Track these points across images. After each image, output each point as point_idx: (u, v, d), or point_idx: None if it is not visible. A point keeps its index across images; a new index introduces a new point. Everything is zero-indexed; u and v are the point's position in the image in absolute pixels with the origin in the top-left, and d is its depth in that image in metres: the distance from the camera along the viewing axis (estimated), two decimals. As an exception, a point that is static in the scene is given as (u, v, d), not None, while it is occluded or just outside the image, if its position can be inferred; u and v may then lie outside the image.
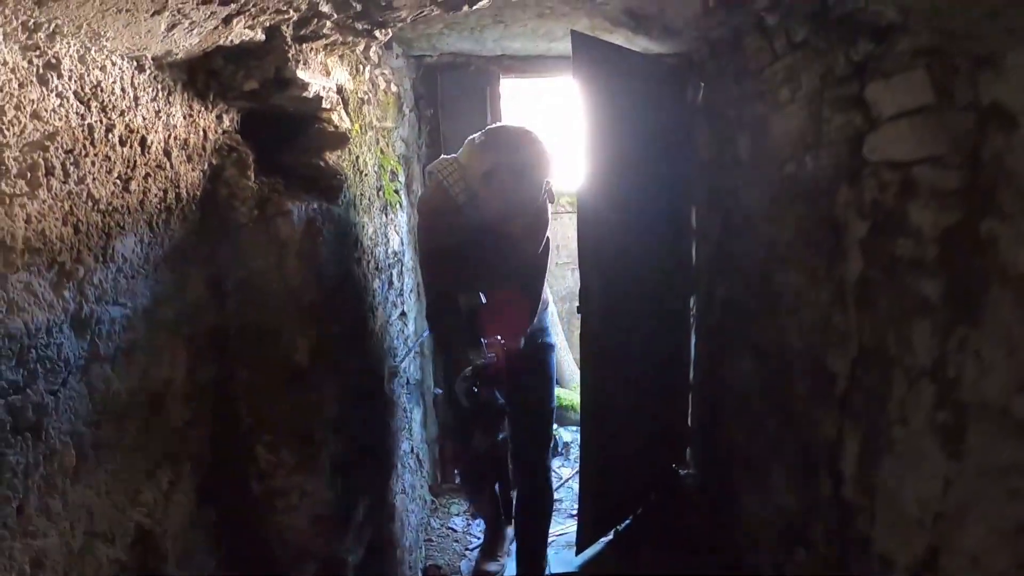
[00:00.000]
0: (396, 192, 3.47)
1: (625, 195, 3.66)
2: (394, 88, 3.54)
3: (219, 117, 1.88)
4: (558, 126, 7.14)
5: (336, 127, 2.20)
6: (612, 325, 3.64)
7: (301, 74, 1.90)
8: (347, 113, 2.42)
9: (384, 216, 3.18)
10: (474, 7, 2.07)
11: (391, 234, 3.29)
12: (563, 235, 7.50)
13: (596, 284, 3.52)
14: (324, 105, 2.05)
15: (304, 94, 1.94)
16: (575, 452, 5.02)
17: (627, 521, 4.02)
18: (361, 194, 2.65)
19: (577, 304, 3.54)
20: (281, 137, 2.12)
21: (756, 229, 3.25)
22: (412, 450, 3.64)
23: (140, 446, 1.55)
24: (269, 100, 1.93)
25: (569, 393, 5.71)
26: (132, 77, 1.52)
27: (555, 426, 5.31)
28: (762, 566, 3.24)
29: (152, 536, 1.59)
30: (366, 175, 2.74)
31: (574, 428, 5.21)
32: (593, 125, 3.37)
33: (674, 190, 4.09)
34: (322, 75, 2.10)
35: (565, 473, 4.84)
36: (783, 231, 2.94)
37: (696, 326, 4.19)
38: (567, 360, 6.46)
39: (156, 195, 1.59)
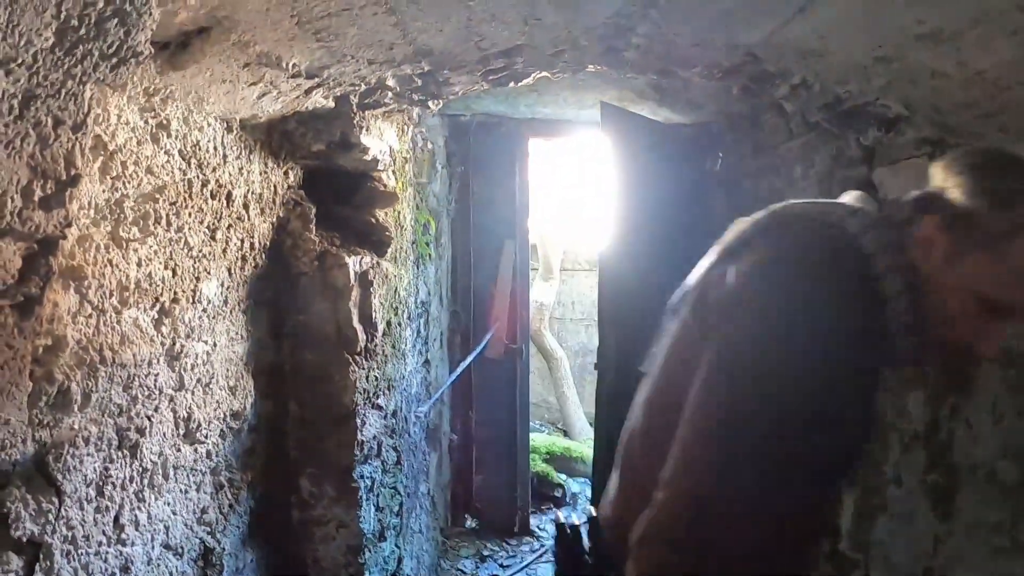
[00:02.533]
0: (427, 244, 3.66)
1: (645, 257, 3.81)
2: (430, 146, 3.75)
3: (287, 173, 2.08)
4: (581, 185, 7.41)
5: (386, 186, 2.41)
6: (627, 381, 3.76)
7: (364, 139, 2.10)
8: (393, 173, 2.62)
9: (416, 268, 3.37)
10: (519, 84, 2.28)
11: (420, 285, 3.48)
12: (578, 292, 7.70)
13: (613, 341, 3.67)
14: (379, 167, 2.26)
15: (364, 156, 2.15)
16: (582, 503, 5.15)
17: None
18: (400, 247, 2.84)
19: (594, 361, 3.69)
20: (337, 194, 2.32)
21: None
22: (428, 492, 3.78)
23: (209, 469, 1.73)
24: (333, 160, 2.14)
25: (579, 445, 5.85)
26: (222, 137, 1.72)
27: (564, 476, 5.48)
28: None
29: (213, 553, 1.76)
30: (404, 229, 2.94)
31: (583, 479, 5.35)
32: (617, 188, 3.57)
33: (690, 255, 4.21)
34: (377, 138, 2.31)
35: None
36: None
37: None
38: (578, 415, 6.62)
39: (235, 244, 1.79)
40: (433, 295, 3.96)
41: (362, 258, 2.15)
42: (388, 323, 2.48)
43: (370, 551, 2.30)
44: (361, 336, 2.13)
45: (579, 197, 7.47)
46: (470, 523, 4.77)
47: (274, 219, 2.01)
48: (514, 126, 4.39)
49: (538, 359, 6.79)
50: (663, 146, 4.04)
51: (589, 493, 4.22)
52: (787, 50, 2.07)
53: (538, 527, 4.84)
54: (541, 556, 4.45)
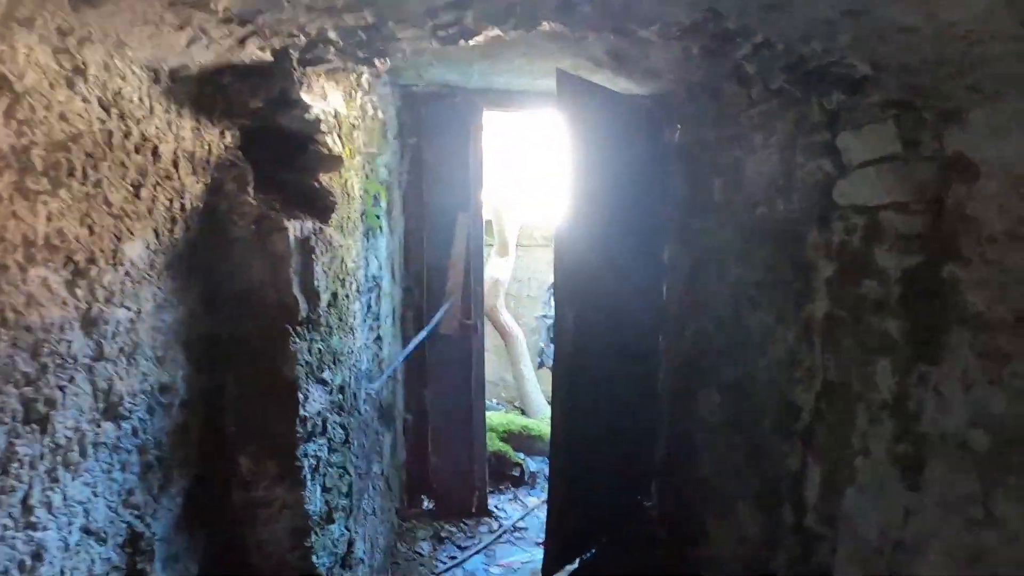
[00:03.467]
0: (378, 217, 3.53)
1: (601, 231, 3.75)
2: (380, 115, 3.62)
3: (223, 133, 1.94)
4: (537, 159, 7.29)
5: (330, 150, 2.28)
6: (584, 358, 3.71)
7: (304, 96, 1.97)
8: (339, 137, 2.49)
9: (366, 240, 3.24)
10: (470, 42, 2.16)
11: (371, 258, 3.35)
12: (535, 268, 7.60)
13: (570, 317, 3.59)
14: (322, 128, 2.13)
15: (306, 115, 2.02)
16: (542, 482, 5.07)
17: (592, 551, 4.06)
18: (348, 217, 2.71)
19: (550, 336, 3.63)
20: (278, 157, 2.19)
21: (726, 269, 3.36)
22: (382, 473, 3.67)
23: (135, 447, 1.60)
24: (272, 119, 2.01)
25: (538, 423, 5.77)
26: (149, 87, 1.59)
27: (522, 455, 5.40)
28: (726, 599, 3.31)
29: (142, 538, 1.63)
30: (353, 199, 2.81)
31: (541, 458, 5.27)
32: (573, 161, 3.47)
33: (648, 228, 4.18)
34: (321, 99, 2.18)
35: (532, 502, 4.88)
36: (753, 271, 3.05)
37: (666, 362, 4.28)
38: (536, 392, 6.54)
39: (163, 203, 1.65)
40: (385, 270, 3.83)
41: (303, 223, 2.02)
42: (334, 294, 2.36)
43: (317, 534, 2.19)
44: (302, 305, 2.01)
45: (536, 171, 7.36)
46: (427, 504, 4.67)
47: (208, 180, 1.87)
48: (468, 97, 4.27)
49: (494, 336, 6.69)
50: (621, 117, 3.96)
51: (548, 472, 4.13)
52: (750, 4, 1.98)
53: (496, 507, 4.76)
54: (499, 536, 4.37)
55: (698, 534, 3.65)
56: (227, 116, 1.94)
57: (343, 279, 2.57)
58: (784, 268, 2.75)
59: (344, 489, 2.48)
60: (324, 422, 2.22)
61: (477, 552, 4.15)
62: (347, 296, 2.64)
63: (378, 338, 3.61)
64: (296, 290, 1.98)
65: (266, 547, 2.12)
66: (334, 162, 2.25)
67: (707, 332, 3.63)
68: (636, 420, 4.31)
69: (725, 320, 3.38)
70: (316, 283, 2.08)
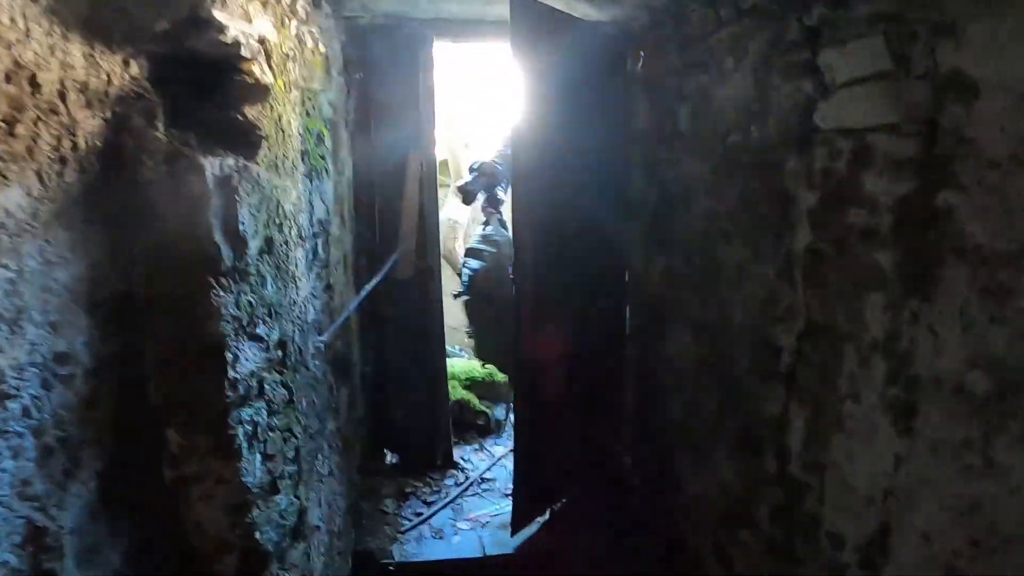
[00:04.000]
0: (322, 157, 3.28)
1: (561, 165, 3.56)
2: (322, 48, 3.35)
3: (126, 62, 1.68)
4: (493, 94, 6.99)
5: (257, 80, 2.02)
6: (545, 298, 3.54)
7: (218, 15, 1.71)
8: (270, 67, 2.23)
9: (310, 182, 2.99)
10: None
11: (316, 202, 3.10)
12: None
13: (530, 256, 3.42)
14: (243, 53, 1.86)
15: (221, 38, 1.75)
16: (509, 431, 4.91)
17: (563, 501, 3.93)
18: (284, 156, 2.46)
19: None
20: (199, 89, 1.93)
21: (696, 201, 3.17)
22: (339, 431, 3.46)
23: (29, 429, 1.37)
24: (183, 44, 1.74)
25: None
26: (23, 6, 1.33)
27: (487, 403, 5.22)
28: (703, 548, 3.18)
29: (46, 534, 1.41)
30: (290, 136, 2.55)
31: (507, 405, 5.10)
32: (530, 94, 3.24)
33: (611, 161, 3.99)
34: (242, 20, 1.92)
35: (499, 451, 4.72)
36: (725, 203, 2.86)
37: (632, 300, 4.11)
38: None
39: (48, 143, 1.40)
40: (333, 214, 3.59)
41: (224, 160, 1.77)
42: (268, 240, 2.12)
43: (259, 507, 1.99)
44: (226, 253, 1.77)
45: (493, 107, 7.08)
46: (390, 459, 4.49)
47: (108, 115, 1.61)
48: (416, 28, 3.98)
49: (454, 280, 6.47)
50: (580, 45, 3.73)
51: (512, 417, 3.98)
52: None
53: (462, 459, 4.59)
54: (466, 489, 4.20)
55: (673, 481, 3.52)
56: (130, 42, 1.67)
57: (280, 224, 2.33)
58: (760, 199, 2.56)
59: (290, 454, 2.28)
60: (260, 383, 2.00)
61: (443, 507, 3.99)
62: (286, 243, 2.40)
63: (328, 287, 3.38)
64: (218, 236, 1.74)
65: (204, 526, 1.91)
66: (260, 92, 1.99)
67: (676, 268, 3.45)
68: (605, 363, 4.16)
69: (695, 255, 3.20)
70: (242, 227, 1.84)
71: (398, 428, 4.43)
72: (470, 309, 5.57)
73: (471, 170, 5.12)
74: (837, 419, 2.22)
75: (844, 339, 2.15)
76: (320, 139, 3.25)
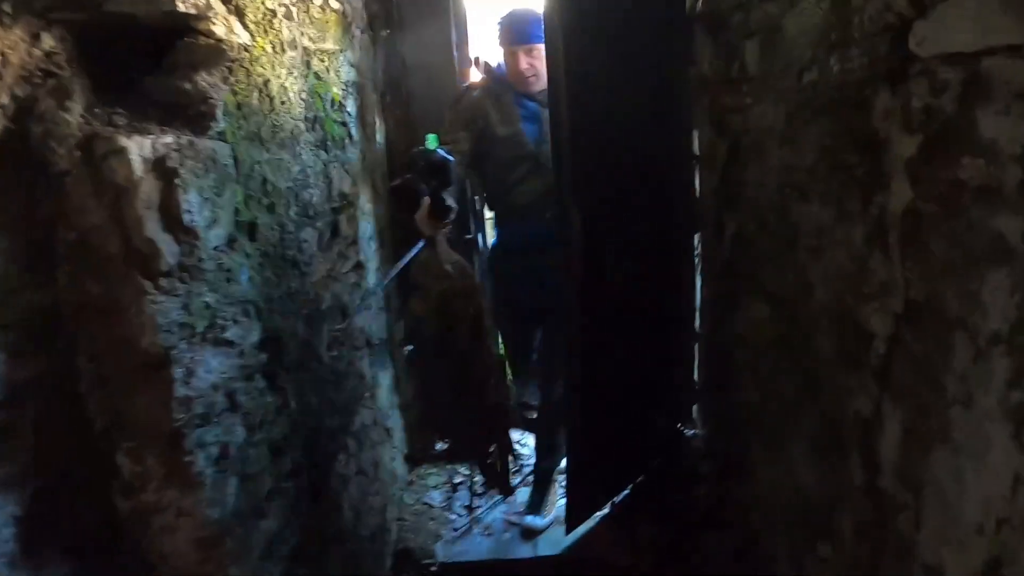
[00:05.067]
0: (342, 124, 2.94)
1: (616, 121, 3.14)
2: (335, 4, 2.99)
3: (35, 36, 1.35)
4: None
5: (219, 39, 1.67)
6: (604, 267, 3.15)
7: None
8: (244, 25, 1.88)
9: (324, 152, 2.65)
10: None
11: (336, 173, 2.77)
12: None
13: (578, 220, 3.02)
14: (183, 8, 1.51)
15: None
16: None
17: (625, 492, 3.56)
18: (276, 125, 2.12)
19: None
20: (144, 58, 1.60)
21: (769, 153, 2.72)
22: (375, 422, 3.16)
23: None
24: (102, 7, 1.41)
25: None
26: None
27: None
28: (779, 555, 2.78)
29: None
30: (284, 103, 2.21)
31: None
32: (574, 39, 2.83)
33: (673, 112, 3.54)
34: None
35: (558, 435, 4.36)
36: (802, 154, 2.41)
37: (703, 267, 3.68)
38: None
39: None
40: (362, 186, 3.26)
41: (159, 139, 1.43)
42: (250, 225, 1.79)
43: (234, 537, 1.68)
44: (167, 249, 1.45)
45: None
46: (440, 446, 4.18)
47: (5, 99, 1.29)
48: (447, -26, 3.60)
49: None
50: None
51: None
52: None
53: (518, 442, 4.24)
54: (523, 480, 3.87)
55: (747, 471, 3.11)
56: (35, 12, 1.34)
57: (270, 204, 2.00)
58: (844, 147, 2.11)
59: (285, 469, 1.97)
60: (231, 396, 1.68)
61: (495, 504, 3.66)
62: (280, 225, 2.07)
63: (358, 265, 3.07)
64: (151, 230, 1.41)
65: (172, 559, 1.62)
66: (213, 55, 1.65)
67: (748, 231, 3.01)
68: (670, 336, 3.76)
69: (769, 217, 2.76)
70: (188, 216, 1.51)
71: (448, 412, 4.11)
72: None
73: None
74: (942, 427, 1.77)
75: (955, 327, 1.70)
76: (338, 105, 2.90)
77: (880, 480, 2.03)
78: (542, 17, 3.05)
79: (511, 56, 3.48)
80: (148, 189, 1.40)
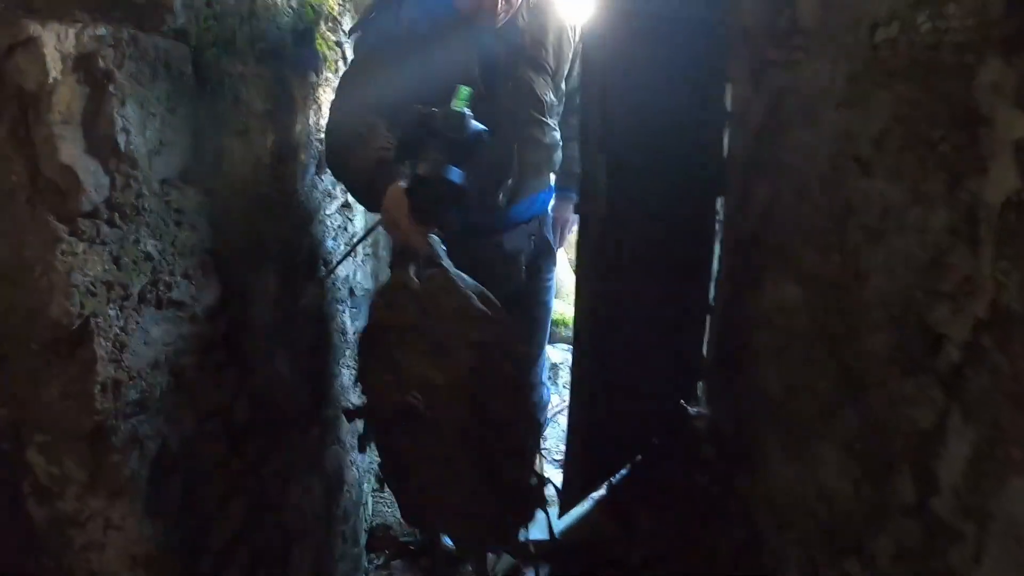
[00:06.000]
0: (338, 45, 2.58)
1: (642, 66, 2.84)
2: None
3: None
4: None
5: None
6: (617, 225, 2.87)
7: None
8: None
9: (314, 75, 2.30)
10: None
11: (323, 99, 2.42)
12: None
13: (602, 173, 2.74)
14: None
15: None
16: (565, 376, 4.27)
17: (623, 472, 3.30)
18: (256, 34, 1.77)
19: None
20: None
21: (821, 117, 2.39)
22: (357, 382, 2.87)
23: None
24: None
25: (561, 304, 4.94)
26: None
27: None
28: (788, 562, 2.52)
29: None
30: (269, 8, 1.86)
31: (565, 347, 4.47)
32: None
33: (705, 62, 3.21)
34: None
35: (553, 401, 4.08)
36: (868, 121, 2.08)
37: (723, 235, 3.37)
38: (562, 264, 5.69)
39: None
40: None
41: (86, 28, 1.09)
42: (217, 153, 1.46)
43: (179, 553, 1.38)
44: (89, 181, 1.11)
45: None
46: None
47: None
48: None
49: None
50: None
51: (571, 363, 3.35)
52: None
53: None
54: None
55: (756, 462, 2.85)
56: None
57: (244, 130, 1.66)
58: (927, 119, 1.79)
59: (248, 459, 1.66)
60: (178, 375, 1.37)
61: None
62: (258, 157, 1.74)
63: (345, 205, 2.78)
64: (71, 154, 1.07)
65: (103, 579, 1.32)
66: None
67: (784, 201, 2.69)
68: (681, 305, 3.48)
69: (814, 188, 2.44)
70: (125, 136, 1.17)
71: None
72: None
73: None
74: (1019, 456, 1.50)
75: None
76: (333, 20, 2.55)
77: (935, 503, 1.76)
78: None
79: None
80: (67, 97, 1.06)
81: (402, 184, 2.13)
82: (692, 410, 3.61)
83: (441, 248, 2.07)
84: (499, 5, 2.66)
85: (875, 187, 2.04)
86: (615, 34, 2.61)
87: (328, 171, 2.38)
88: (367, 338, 2.16)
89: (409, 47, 2.43)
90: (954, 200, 1.69)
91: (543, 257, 3.41)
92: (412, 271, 2.06)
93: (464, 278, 2.09)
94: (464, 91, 2.21)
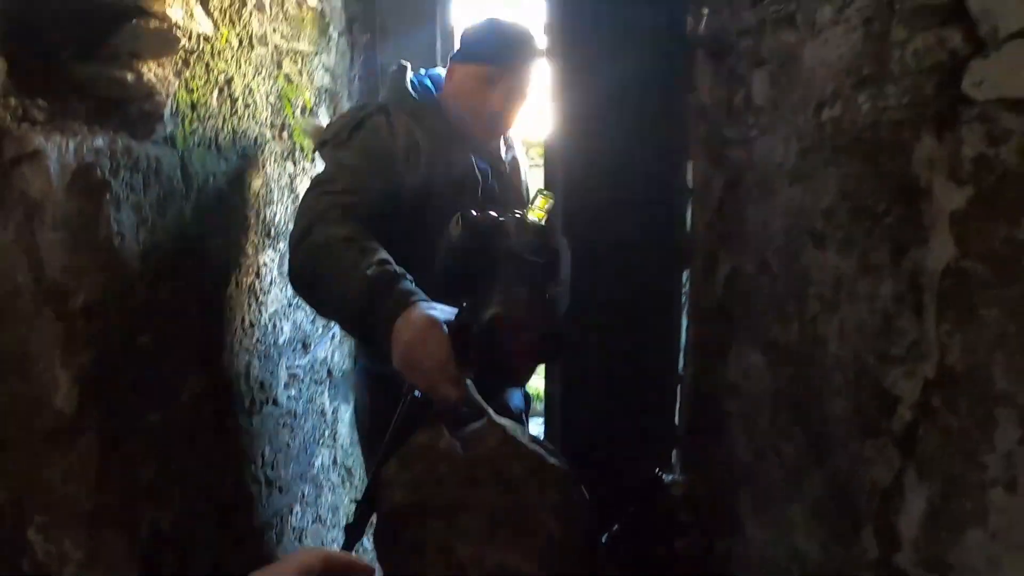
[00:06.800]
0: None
1: (605, 144, 2.97)
2: (313, 2, 2.76)
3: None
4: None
5: (174, 24, 1.43)
6: (584, 301, 2.97)
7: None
8: (207, 12, 1.64)
9: (292, 165, 2.41)
10: None
11: (301, 189, 2.52)
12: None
13: (566, 255, 2.84)
14: None
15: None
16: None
17: (602, 543, 3.33)
18: (237, 131, 1.88)
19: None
20: (85, 44, 1.35)
21: (775, 191, 2.52)
22: (336, 461, 2.90)
23: None
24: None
25: (535, 378, 4.99)
26: None
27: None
28: (770, 623, 2.56)
29: None
30: (249, 106, 1.97)
31: (540, 420, 4.52)
32: (567, 56, 2.64)
33: (666, 140, 3.36)
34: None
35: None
36: (818, 195, 2.21)
37: (690, 307, 3.47)
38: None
39: None
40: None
41: (85, 140, 1.18)
42: (201, 248, 1.54)
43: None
44: (87, 282, 1.20)
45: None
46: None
47: None
48: (435, -24, 3.38)
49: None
50: (626, 3, 3.13)
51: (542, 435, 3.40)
52: None
53: None
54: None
55: (733, 524, 2.90)
56: None
57: (223, 223, 1.75)
58: (872, 193, 1.92)
59: (234, 536, 1.71)
60: (166, 461, 1.42)
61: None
62: (236, 246, 1.83)
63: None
64: (71, 257, 1.16)
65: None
66: (164, 42, 1.42)
67: (746, 274, 2.80)
68: (651, 377, 3.56)
69: (772, 259, 2.55)
70: (121, 241, 1.26)
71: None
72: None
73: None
74: (979, 510, 1.57)
75: (1000, 402, 1.50)
76: (310, 112, 2.67)
77: (897, 559, 1.83)
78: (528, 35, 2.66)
79: (481, 81, 2.59)
80: (68, 205, 1.15)
81: (441, 318, 1.69)
82: (668, 478, 3.66)
83: (476, 394, 1.59)
84: (500, 122, 2.67)
85: (828, 259, 2.15)
86: (575, 124, 2.74)
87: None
88: (388, 531, 1.69)
89: (404, 157, 2.34)
90: (899, 269, 1.80)
91: None
92: (446, 432, 1.59)
93: (512, 426, 1.67)
94: (545, 197, 1.88)
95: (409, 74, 2.39)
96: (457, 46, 2.64)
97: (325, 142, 2.03)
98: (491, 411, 1.63)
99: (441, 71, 2.55)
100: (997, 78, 1.49)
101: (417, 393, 1.77)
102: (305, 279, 1.83)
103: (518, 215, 1.84)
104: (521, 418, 2.68)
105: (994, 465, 1.53)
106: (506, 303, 1.63)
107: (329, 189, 1.90)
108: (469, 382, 1.70)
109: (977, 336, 1.56)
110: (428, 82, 2.51)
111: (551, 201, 1.88)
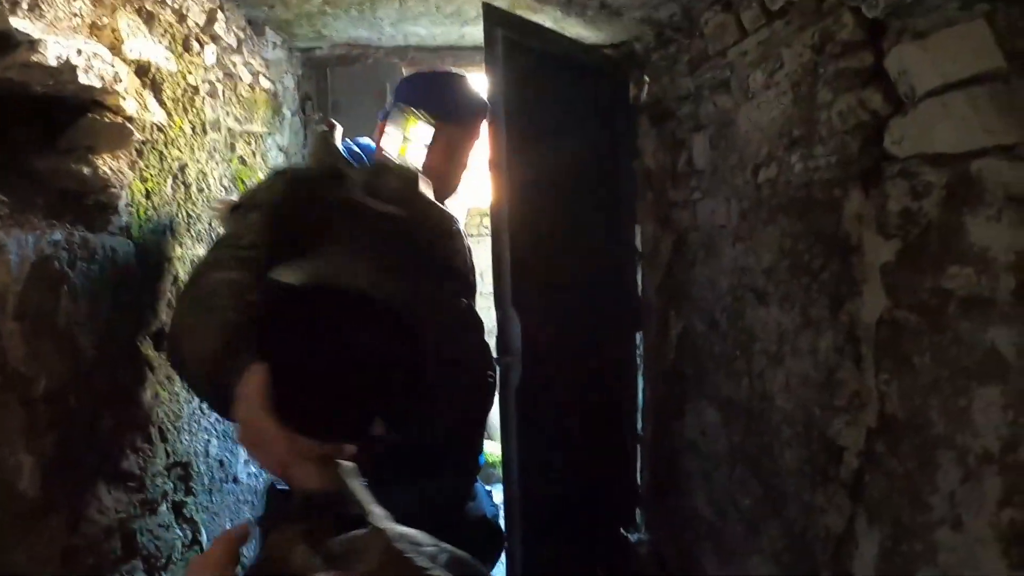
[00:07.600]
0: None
1: (553, 214, 3.00)
2: (266, 84, 2.82)
3: None
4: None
5: (128, 117, 1.47)
6: (538, 372, 2.94)
7: (22, 24, 1.16)
8: (161, 102, 1.69)
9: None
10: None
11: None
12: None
13: (515, 325, 2.81)
14: (86, 80, 1.31)
15: (35, 58, 1.20)
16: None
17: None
18: (191, 216, 1.91)
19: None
20: (40, 136, 1.38)
21: (720, 252, 2.60)
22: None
23: None
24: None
25: (495, 446, 4.98)
26: None
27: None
28: None
29: None
30: (203, 191, 2.00)
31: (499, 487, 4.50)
32: (512, 126, 2.69)
33: (614, 206, 3.43)
34: (87, 35, 1.37)
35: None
36: (759, 254, 2.29)
37: (645, 368, 3.52)
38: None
39: None
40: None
41: (43, 235, 1.21)
42: (159, 332, 1.56)
43: None
44: (47, 370, 1.21)
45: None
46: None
47: None
48: (382, 57, 3.45)
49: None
50: (572, 69, 3.20)
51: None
52: None
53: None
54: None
55: (698, 579, 2.91)
56: None
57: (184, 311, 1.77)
58: (808, 250, 2.00)
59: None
60: (128, 539, 1.43)
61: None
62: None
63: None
64: (31, 346, 1.18)
65: None
66: (118, 135, 1.45)
67: (697, 332, 2.87)
68: (611, 440, 3.57)
69: (720, 318, 2.63)
70: (79, 330, 1.28)
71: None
72: None
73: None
74: (928, 550, 1.63)
75: (940, 444, 1.57)
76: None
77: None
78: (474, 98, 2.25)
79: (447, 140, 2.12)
80: (28, 297, 1.18)
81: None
82: (633, 537, 3.66)
83: (364, 490, 1.01)
84: (441, 185, 2.14)
85: (771, 315, 2.23)
86: (522, 192, 2.77)
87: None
88: None
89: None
90: (837, 322, 1.87)
91: None
92: (303, 545, 0.90)
93: (402, 534, 0.94)
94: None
95: (338, 133, 2.04)
96: (389, 99, 2.27)
97: (239, 205, 1.68)
98: (374, 509, 0.96)
99: (369, 140, 2.18)
100: (916, 134, 1.59)
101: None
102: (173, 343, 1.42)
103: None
104: (491, 526, 2.17)
105: (939, 506, 1.58)
106: (328, 267, 1.10)
107: (233, 243, 1.53)
108: (347, 463, 1.00)
109: (913, 383, 1.63)
110: (356, 148, 2.20)
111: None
